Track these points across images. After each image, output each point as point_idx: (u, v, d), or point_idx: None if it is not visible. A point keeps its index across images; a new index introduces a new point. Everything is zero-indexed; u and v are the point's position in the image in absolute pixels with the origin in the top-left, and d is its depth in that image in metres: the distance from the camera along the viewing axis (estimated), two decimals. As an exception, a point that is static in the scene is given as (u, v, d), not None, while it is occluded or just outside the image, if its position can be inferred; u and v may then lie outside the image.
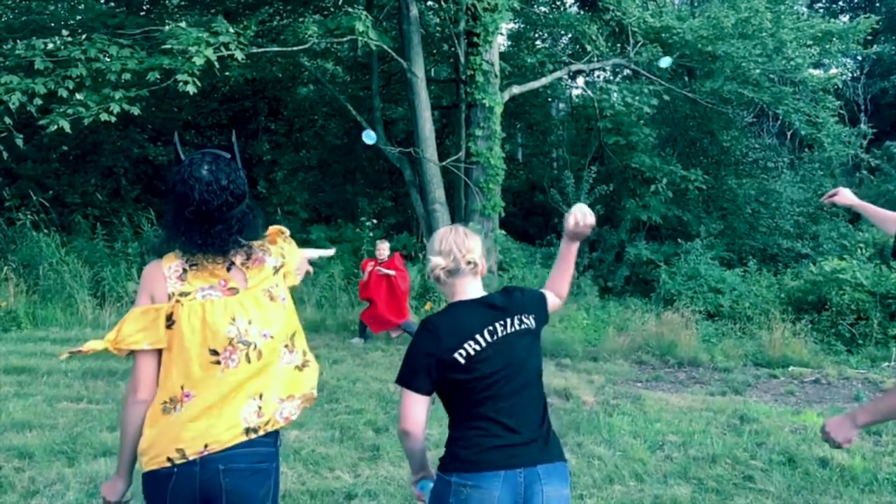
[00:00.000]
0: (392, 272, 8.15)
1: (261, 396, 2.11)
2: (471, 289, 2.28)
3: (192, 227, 2.07)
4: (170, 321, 2.05)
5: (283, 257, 2.28)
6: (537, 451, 2.19)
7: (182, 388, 2.04)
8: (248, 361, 2.08)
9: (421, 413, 2.18)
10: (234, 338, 2.06)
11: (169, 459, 2.01)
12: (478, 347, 2.16)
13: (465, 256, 2.24)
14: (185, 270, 2.10)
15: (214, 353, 2.05)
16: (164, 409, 2.05)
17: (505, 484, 2.11)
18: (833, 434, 2.28)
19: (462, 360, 2.14)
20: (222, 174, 2.08)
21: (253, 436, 2.08)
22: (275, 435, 2.16)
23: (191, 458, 2.01)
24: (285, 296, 2.23)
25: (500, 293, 2.32)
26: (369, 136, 9.35)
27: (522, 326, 2.25)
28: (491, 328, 2.19)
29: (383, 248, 8.37)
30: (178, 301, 2.05)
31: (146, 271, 2.13)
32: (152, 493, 2.05)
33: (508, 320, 2.23)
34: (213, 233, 2.08)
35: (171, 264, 2.11)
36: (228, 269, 2.14)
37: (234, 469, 2.04)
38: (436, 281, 2.31)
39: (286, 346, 2.20)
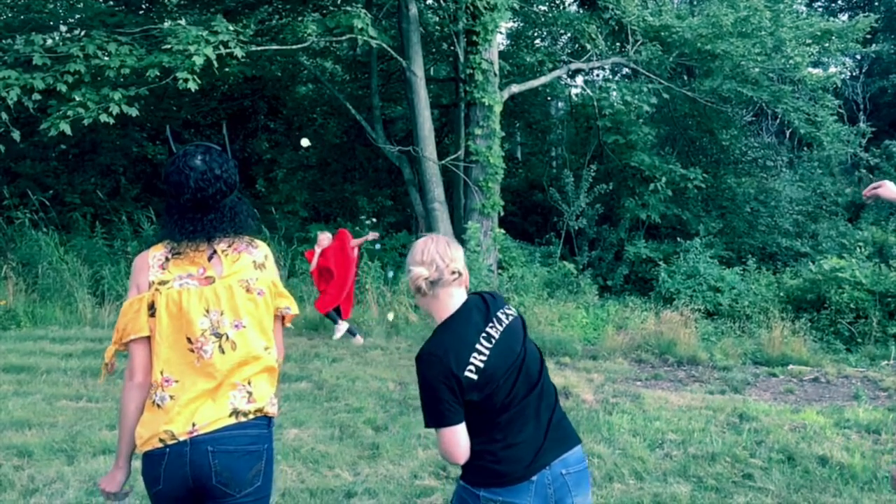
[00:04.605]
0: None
1: (249, 383, 2.17)
2: (455, 300, 2.16)
3: (186, 216, 2.14)
4: (152, 309, 2.11)
5: (268, 258, 2.30)
6: (557, 441, 2.16)
7: (161, 373, 2.10)
8: (223, 352, 2.12)
9: (467, 440, 2.08)
10: (207, 329, 2.11)
11: (161, 440, 2.08)
12: (483, 358, 2.07)
13: (448, 266, 2.12)
14: (167, 259, 2.15)
15: (190, 340, 2.11)
16: (149, 394, 2.13)
17: (536, 497, 2.08)
18: None
19: (474, 377, 2.04)
20: (215, 164, 2.15)
21: (242, 419, 2.13)
22: (267, 419, 2.20)
23: (180, 438, 2.07)
24: (263, 291, 2.23)
25: (480, 297, 2.24)
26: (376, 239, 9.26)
27: (509, 319, 2.20)
28: (485, 334, 2.11)
29: (325, 239, 8.48)
30: (157, 290, 2.11)
31: (135, 262, 2.19)
32: (149, 474, 2.12)
33: (495, 319, 2.16)
34: (205, 221, 2.14)
35: (156, 253, 2.17)
36: (210, 259, 2.18)
37: (224, 451, 2.09)
38: (417, 292, 2.15)
39: (266, 348, 2.22)
